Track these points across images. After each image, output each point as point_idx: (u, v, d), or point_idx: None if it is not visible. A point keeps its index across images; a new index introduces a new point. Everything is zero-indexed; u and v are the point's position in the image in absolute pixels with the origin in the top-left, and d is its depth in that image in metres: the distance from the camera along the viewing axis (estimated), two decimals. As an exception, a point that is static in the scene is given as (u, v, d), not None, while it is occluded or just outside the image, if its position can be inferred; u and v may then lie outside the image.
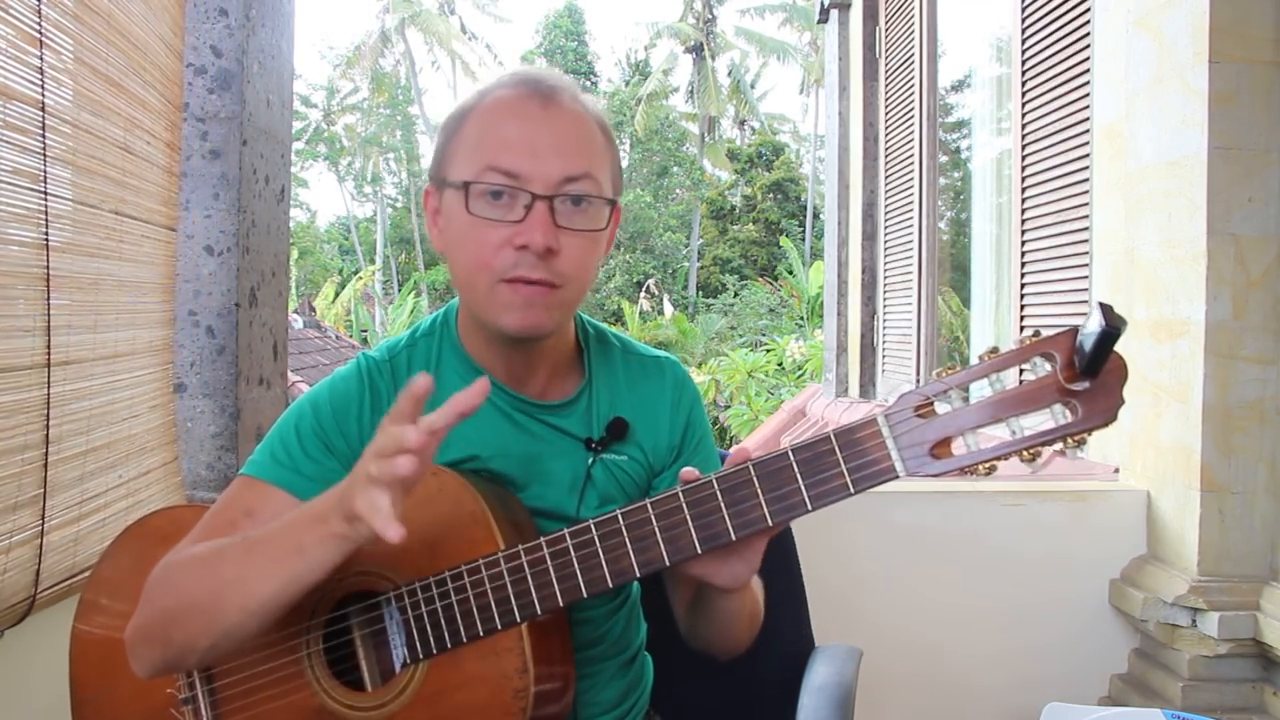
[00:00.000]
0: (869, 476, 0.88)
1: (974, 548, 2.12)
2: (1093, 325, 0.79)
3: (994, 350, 0.86)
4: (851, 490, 0.88)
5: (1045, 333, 0.84)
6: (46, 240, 1.36)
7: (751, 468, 0.91)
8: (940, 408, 0.86)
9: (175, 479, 1.82)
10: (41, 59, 1.33)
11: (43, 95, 1.33)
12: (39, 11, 1.32)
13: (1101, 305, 0.79)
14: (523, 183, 0.97)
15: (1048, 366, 0.83)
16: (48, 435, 1.38)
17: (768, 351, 11.79)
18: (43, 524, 1.38)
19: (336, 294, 17.28)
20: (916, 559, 2.11)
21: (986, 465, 0.86)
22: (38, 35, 1.32)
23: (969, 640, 2.12)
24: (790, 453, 0.90)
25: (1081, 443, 0.84)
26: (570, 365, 1.13)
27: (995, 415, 0.85)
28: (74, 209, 1.45)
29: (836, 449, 0.89)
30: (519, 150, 0.97)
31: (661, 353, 1.19)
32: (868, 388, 4.75)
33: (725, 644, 1.12)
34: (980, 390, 0.86)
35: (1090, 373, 0.81)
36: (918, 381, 4.06)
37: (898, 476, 0.87)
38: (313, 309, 14.20)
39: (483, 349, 1.08)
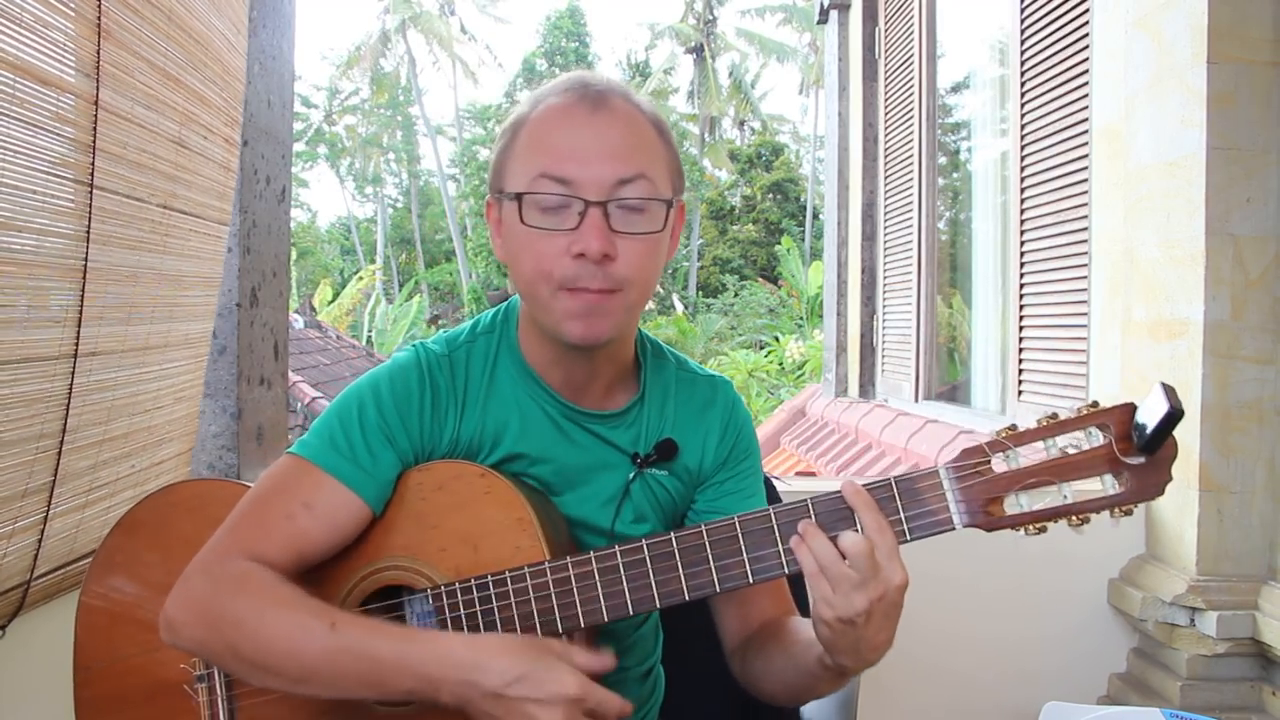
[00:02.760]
0: (926, 527, 0.90)
1: (973, 546, 2.12)
2: (1157, 406, 0.82)
3: (1053, 416, 0.89)
4: (908, 538, 0.90)
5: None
6: (88, 232, 1.33)
7: (810, 504, 0.91)
8: (997, 465, 0.89)
9: (185, 469, 1.81)
10: (99, 52, 1.29)
11: (97, 89, 1.29)
12: (99, 5, 1.28)
13: (1164, 386, 0.82)
14: (575, 190, 0.96)
15: (1101, 436, 0.87)
16: (65, 424, 1.36)
17: (768, 352, 11.77)
18: (48, 511, 1.36)
19: (336, 294, 17.28)
20: (915, 558, 2.09)
21: (1037, 526, 0.88)
22: (97, 27, 1.28)
23: (968, 639, 2.12)
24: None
25: (1129, 513, 0.87)
26: (626, 378, 1.12)
27: (1048, 478, 0.87)
28: (119, 202, 1.42)
29: (896, 497, 0.90)
30: (570, 157, 0.97)
31: (716, 374, 1.19)
32: (867, 388, 4.76)
33: (798, 693, 1.07)
34: (1035, 452, 0.88)
35: (1149, 450, 0.85)
36: (917, 383, 4.06)
37: (954, 529, 0.89)
38: (313, 309, 14.19)
39: (540, 354, 1.07)
